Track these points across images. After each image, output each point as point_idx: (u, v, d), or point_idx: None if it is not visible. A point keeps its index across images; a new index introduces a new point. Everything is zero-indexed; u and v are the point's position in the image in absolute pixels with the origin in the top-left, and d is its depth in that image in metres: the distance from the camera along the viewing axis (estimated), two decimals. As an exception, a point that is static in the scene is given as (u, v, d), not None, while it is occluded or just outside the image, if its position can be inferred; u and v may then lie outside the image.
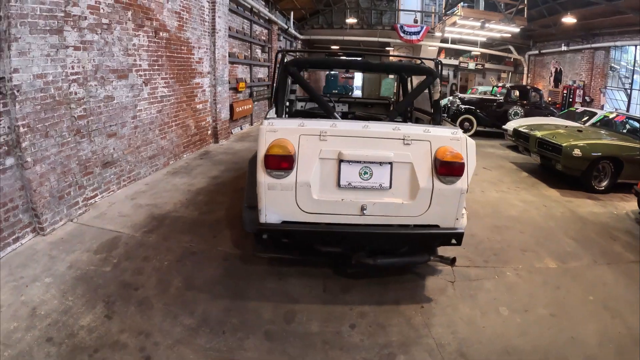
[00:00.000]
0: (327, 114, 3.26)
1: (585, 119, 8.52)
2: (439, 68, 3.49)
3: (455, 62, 18.95)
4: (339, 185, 2.66)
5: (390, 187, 2.69)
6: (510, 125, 8.51)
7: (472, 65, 19.10)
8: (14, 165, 3.29)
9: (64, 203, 3.81)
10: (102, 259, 3.29)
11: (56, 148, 3.67)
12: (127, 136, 5.06)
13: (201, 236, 3.83)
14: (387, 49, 16.83)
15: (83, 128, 4.19)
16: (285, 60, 3.58)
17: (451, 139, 2.68)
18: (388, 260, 2.88)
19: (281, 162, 2.58)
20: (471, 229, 4.06)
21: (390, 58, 13.34)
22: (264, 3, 10.93)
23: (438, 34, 15.48)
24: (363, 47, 17.94)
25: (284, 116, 3.43)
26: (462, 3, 12.69)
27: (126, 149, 5.05)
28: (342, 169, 2.65)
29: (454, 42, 16.92)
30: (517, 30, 12.72)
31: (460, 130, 2.78)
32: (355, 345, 2.43)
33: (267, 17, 11.08)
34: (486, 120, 10.60)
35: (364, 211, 2.67)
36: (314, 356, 2.31)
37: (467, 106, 10.60)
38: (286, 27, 13.37)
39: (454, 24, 13.04)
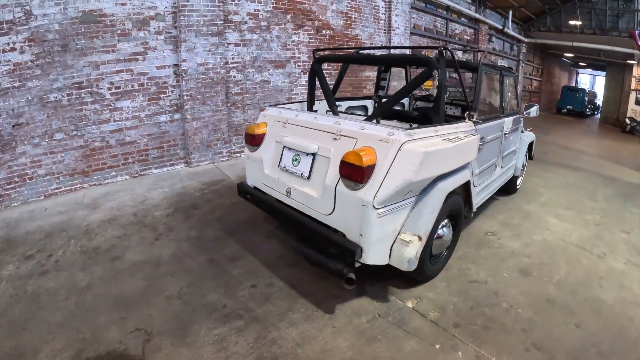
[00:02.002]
0: (332, 110, 3.49)
1: None
2: (452, 57, 2.84)
3: None
4: (279, 165, 3.02)
5: (309, 178, 2.73)
6: None
7: None
8: (179, 118, 5.27)
9: (210, 150, 5.63)
10: (201, 188, 4.82)
11: (210, 113, 5.48)
12: (280, 113, 6.54)
13: (272, 191, 4.78)
14: (630, 63, 11.84)
15: (238, 102, 5.91)
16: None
17: (381, 139, 2.29)
18: (304, 249, 2.71)
19: (251, 140, 3.26)
20: (507, 287, 2.94)
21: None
22: (469, 1, 10.20)
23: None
24: (603, 58, 13.31)
25: (313, 109, 3.65)
26: None
27: (277, 123, 6.55)
28: (284, 153, 3.00)
29: None
30: None
31: (401, 132, 2.28)
32: (233, 295, 2.67)
33: (471, 16, 10.28)
34: None
35: (289, 194, 2.85)
36: (208, 283, 2.84)
37: None
38: (500, 27, 11.81)
39: None
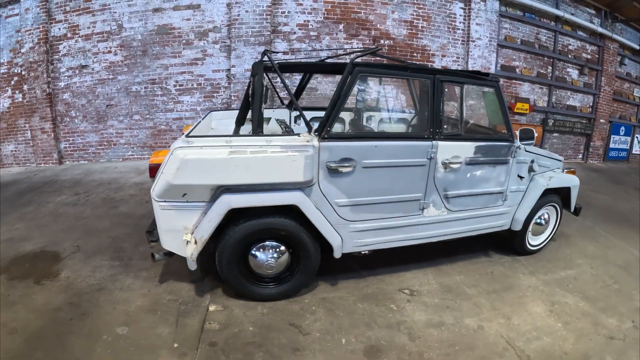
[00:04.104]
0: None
1: None
2: (269, 60, 2.97)
3: None
4: None
5: None
6: None
7: None
8: (228, 113, 6.37)
9: (253, 142, 6.58)
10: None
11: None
12: (329, 117, 7.04)
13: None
14: None
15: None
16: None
17: (176, 148, 2.43)
18: None
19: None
20: (316, 353, 2.25)
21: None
22: (593, 12, 8.21)
23: None
24: None
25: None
26: None
27: (325, 126, 7.06)
28: None
29: None
30: None
31: (181, 139, 2.49)
32: (137, 248, 3.40)
33: (593, 30, 8.22)
34: None
35: None
36: (136, 237, 3.61)
37: None
38: (637, 47, 8.91)
39: None
